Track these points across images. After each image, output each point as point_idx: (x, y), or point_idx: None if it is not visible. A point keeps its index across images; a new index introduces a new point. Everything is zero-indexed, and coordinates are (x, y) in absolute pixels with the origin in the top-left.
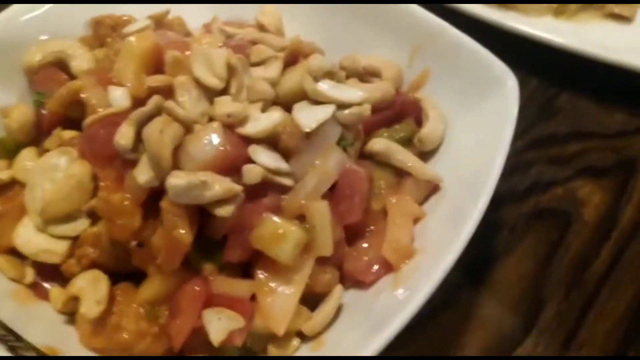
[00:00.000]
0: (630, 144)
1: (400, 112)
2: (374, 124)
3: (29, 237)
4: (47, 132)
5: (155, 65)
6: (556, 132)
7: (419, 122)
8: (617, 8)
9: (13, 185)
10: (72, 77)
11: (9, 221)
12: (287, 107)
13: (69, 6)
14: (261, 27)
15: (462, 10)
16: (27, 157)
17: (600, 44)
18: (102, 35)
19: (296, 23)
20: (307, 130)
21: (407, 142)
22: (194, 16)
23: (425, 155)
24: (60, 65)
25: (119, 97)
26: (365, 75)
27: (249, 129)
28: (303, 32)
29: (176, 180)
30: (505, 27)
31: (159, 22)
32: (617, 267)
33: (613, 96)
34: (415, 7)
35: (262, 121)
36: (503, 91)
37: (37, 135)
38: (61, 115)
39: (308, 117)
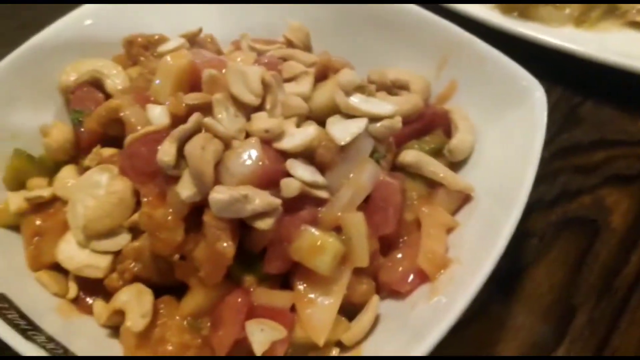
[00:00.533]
0: None
1: (429, 124)
2: (404, 136)
3: (71, 252)
4: (86, 150)
5: (192, 83)
6: (581, 141)
7: (448, 133)
8: (638, 16)
9: (54, 202)
10: (107, 95)
11: (52, 237)
12: (320, 121)
13: (102, 26)
14: (289, 44)
15: (486, 21)
16: (67, 175)
17: (622, 52)
18: (135, 54)
19: (323, 38)
20: (342, 144)
21: (437, 153)
22: (222, 33)
23: (456, 165)
24: (96, 84)
25: (158, 115)
26: (393, 88)
27: (286, 143)
28: (330, 47)
29: (219, 195)
30: (528, 37)
31: (192, 41)
32: None
33: (636, 103)
34: (440, 20)
35: (298, 136)
36: (531, 102)
37: (75, 153)
38: (99, 133)
39: (342, 131)
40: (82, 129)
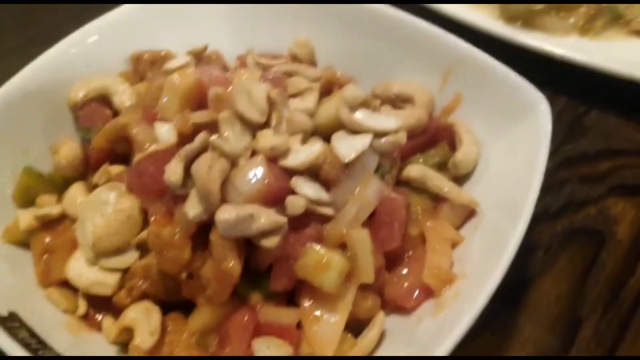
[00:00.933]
0: None
1: (434, 137)
2: (408, 150)
3: (80, 270)
4: (95, 167)
5: (198, 100)
6: (587, 150)
7: (453, 147)
8: (638, 24)
9: (63, 219)
10: (115, 112)
11: (61, 255)
12: (325, 137)
13: (109, 42)
14: (294, 58)
15: (490, 31)
16: (76, 192)
17: (627, 61)
18: (142, 70)
19: (328, 52)
20: (347, 161)
21: (441, 167)
22: (229, 48)
23: (460, 179)
24: (104, 100)
25: (165, 133)
26: (397, 101)
27: (291, 161)
28: (335, 60)
29: (225, 215)
30: (532, 47)
31: (198, 57)
32: None
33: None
34: (445, 33)
35: (303, 153)
36: (536, 114)
37: (84, 170)
38: (108, 150)
39: (347, 147)
40: (91, 146)
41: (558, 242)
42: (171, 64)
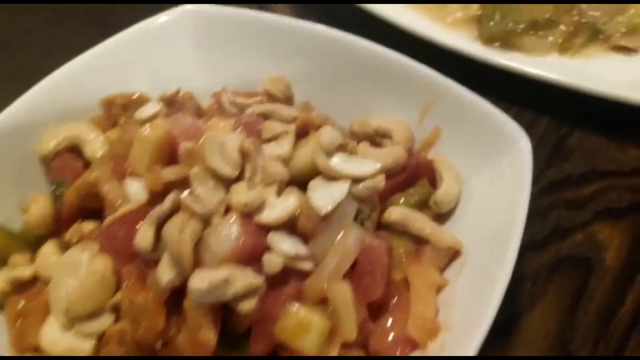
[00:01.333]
0: None
1: (414, 175)
2: (388, 190)
3: (54, 336)
4: (67, 224)
5: (170, 153)
6: (571, 173)
7: (434, 183)
8: (622, 40)
9: (36, 281)
10: (87, 162)
11: (35, 319)
12: (302, 182)
13: (80, 85)
14: (270, 96)
15: (468, 53)
16: (49, 252)
17: (608, 80)
18: (114, 115)
19: (305, 87)
20: (324, 213)
21: (423, 205)
22: (203, 84)
23: (443, 216)
24: (75, 150)
25: (135, 191)
26: (376, 137)
27: (266, 217)
28: (312, 96)
29: (198, 283)
30: (510, 68)
31: (170, 102)
32: None
33: (625, 131)
34: (422, 67)
35: (278, 207)
36: (516, 150)
37: (56, 227)
38: (79, 206)
39: (324, 198)
40: (62, 202)
41: (545, 272)
42: (142, 113)
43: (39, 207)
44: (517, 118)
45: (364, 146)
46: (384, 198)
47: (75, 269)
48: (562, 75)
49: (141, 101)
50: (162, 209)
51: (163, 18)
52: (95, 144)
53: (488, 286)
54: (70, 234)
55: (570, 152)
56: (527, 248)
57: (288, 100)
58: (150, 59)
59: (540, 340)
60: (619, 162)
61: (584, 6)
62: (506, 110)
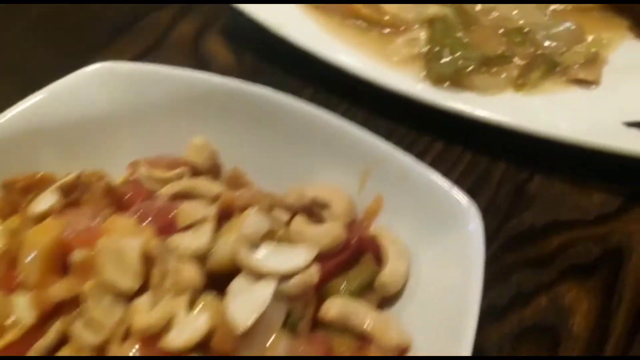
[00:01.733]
0: (613, 230)
1: (356, 253)
2: (327, 274)
3: None
4: None
5: (62, 260)
6: (533, 225)
7: (379, 258)
8: (581, 73)
9: None
10: None
11: None
12: (221, 280)
13: None
14: (192, 168)
15: (413, 95)
16: None
17: (567, 120)
18: (14, 201)
19: (236, 151)
20: (243, 329)
21: (367, 287)
22: (125, 151)
23: (390, 298)
24: None
25: (23, 308)
26: (313, 208)
27: (173, 340)
28: (244, 160)
29: None
30: (459, 111)
31: (73, 186)
32: None
33: (588, 174)
34: (359, 130)
35: (188, 327)
36: (465, 228)
37: None
38: None
39: (244, 306)
40: None
41: (508, 345)
42: (35, 206)
43: None
44: (470, 165)
45: (298, 223)
46: (324, 282)
47: None
48: (515, 117)
49: (45, 183)
50: (46, 341)
51: (74, 78)
52: None
53: None
54: None
55: (531, 200)
56: (487, 318)
57: (213, 169)
58: (61, 127)
59: None
60: (583, 209)
61: (539, 37)
62: (460, 156)
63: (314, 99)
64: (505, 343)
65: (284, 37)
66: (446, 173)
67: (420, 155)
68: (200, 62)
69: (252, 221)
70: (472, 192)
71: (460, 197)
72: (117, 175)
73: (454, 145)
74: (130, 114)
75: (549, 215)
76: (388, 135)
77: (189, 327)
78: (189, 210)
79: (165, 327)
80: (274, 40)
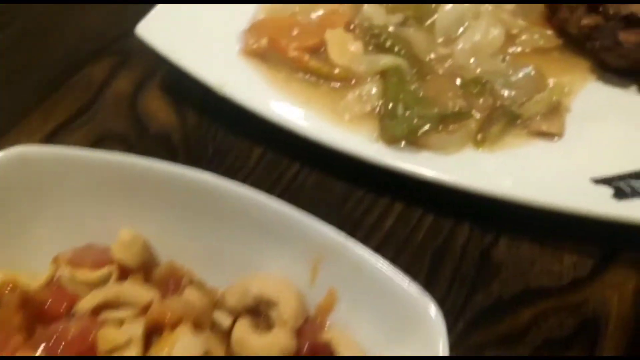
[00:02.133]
0: (587, 297)
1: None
2: None
3: None
4: None
5: None
6: (501, 296)
7: None
8: (543, 125)
9: None
10: None
11: None
12: None
13: None
14: (121, 268)
15: (366, 157)
16: None
17: (529, 178)
18: None
19: (171, 240)
20: None
21: None
22: (48, 244)
23: None
24: None
25: None
26: (259, 306)
27: None
28: (181, 252)
29: None
30: (413, 173)
31: None
32: None
33: (557, 234)
34: (308, 218)
35: None
36: (424, 320)
37: None
38: None
39: None
40: None
41: None
42: None
43: None
44: (433, 229)
45: (241, 330)
46: None
47: None
48: (476, 178)
49: None
50: None
51: None
52: None
53: None
54: None
55: (498, 267)
56: None
57: (145, 265)
58: None
59: None
60: (555, 274)
61: (497, 86)
62: (421, 218)
63: (262, 160)
64: None
65: (227, 96)
66: (407, 238)
67: (380, 219)
68: (139, 122)
69: (183, 344)
70: (436, 260)
71: (419, 295)
72: (42, 270)
73: (414, 206)
74: (51, 204)
75: (518, 283)
76: (344, 199)
77: None
78: (110, 334)
79: None
80: (218, 95)
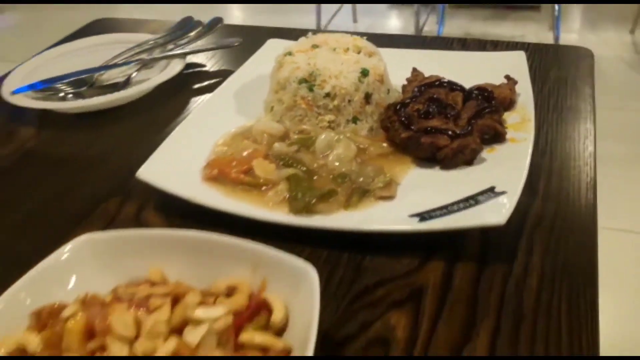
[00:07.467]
0: (416, 279)
1: (255, 310)
2: (240, 322)
3: None
4: None
5: (90, 331)
6: (367, 285)
7: (270, 311)
8: (383, 192)
9: None
10: (31, 355)
11: None
12: (180, 330)
13: (14, 310)
14: (151, 283)
15: (284, 223)
16: None
17: (379, 220)
18: (44, 321)
19: (178, 272)
20: (193, 345)
21: (265, 327)
22: (102, 280)
23: (280, 331)
24: (21, 350)
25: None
26: (228, 289)
27: (158, 354)
28: (182, 275)
29: None
30: (313, 227)
31: (84, 301)
32: None
33: (397, 247)
34: (250, 243)
35: (164, 348)
36: (308, 283)
37: None
38: None
39: (192, 335)
40: None
41: (361, 350)
42: (65, 313)
43: None
44: (327, 254)
45: (221, 299)
46: (238, 327)
47: None
48: (348, 224)
49: (62, 307)
50: None
51: (66, 249)
52: (34, 343)
53: None
54: None
55: (366, 269)
56: (346, 337)
57: (164, 281)
58: (63, 280)
59: None
60: (397, 269)
61: (354, 177)
62: (316, 248)
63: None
64: (360, 350)
65: (198, 203)
66: (308, 255)
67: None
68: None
69: (190, 297)
70: (329, 269)
71: (305, 265)
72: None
73: (317, 249)
74: (107, 265)
75: (377, 276)
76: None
77: (165, 347)
78: (154, 301)
79: (153, 350)
80: (191, 205)
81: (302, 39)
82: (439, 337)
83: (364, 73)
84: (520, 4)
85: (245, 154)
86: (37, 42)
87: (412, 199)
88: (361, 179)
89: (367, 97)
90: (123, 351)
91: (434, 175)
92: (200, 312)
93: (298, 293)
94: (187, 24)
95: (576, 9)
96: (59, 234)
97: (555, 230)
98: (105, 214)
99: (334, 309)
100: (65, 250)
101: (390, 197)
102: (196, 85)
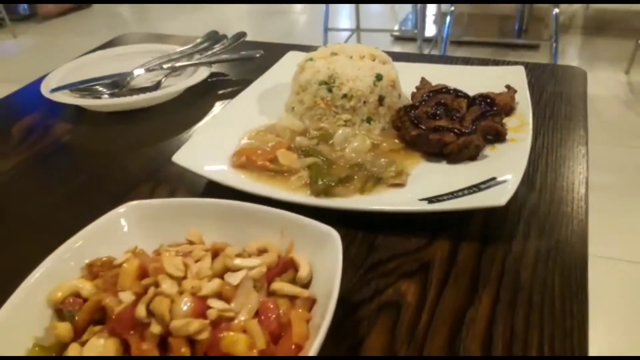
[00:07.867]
0: (425, 254)
1: (283, 267)
2: (271, 276)
3: None
4: (81, 332)
5: (142, 274)
6: (380, 259)
7: (296, 269)
8: (395, 180)
9: None
10: (85, 299)
11: None
12: (221, 275)
13: (65, 263)
14: (190, 242)
15: (306, 204)
16: (74, 350)
17: (391, 204)
18: (96, 272)
19: (212, 234)
20: (235, 284)
21: (291, 281)
22: (145, 244)
23: (305, 285)
24: (76, 294)
25: (127, 296)
26: (259, 251)
27: (203, 292)
28: (216, 238)
29: (175, 324)
30: (333, 207)
31: (134, 253)
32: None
33: (408, 225)
34: (278, 210)
35: (209, 286)
36: (332, 244)
37: (74, 336)
38: (88, 320)
39: (233, 278)
40: (75, 321)
41: (375, 314)
42: (119, 259)
43: (63, 328)
44: (346, 229)
45: (253, 256)
46: (270, 280)
47: (94, 351)
48: (362, 205)
49: (110, 260)
50: (147, 296)
51: (120, 210)
52: (89, 289)
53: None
54: (86, 335)
55: (379, 246)
56: (361, 301)
57: (201, 242)
58: (113, 238)
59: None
60: (408, 246)
61: (368, 166)
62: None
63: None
64: (374, 311)
65: (228, 185)
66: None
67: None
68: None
69: (229, 250)
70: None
71: (329, 230)
72: None
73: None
74: (150, 227)
75: (390, 252)
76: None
77: (210, 286)
78: (196, 253)
79: (199, 289)
80: (219, 192)
81: (321, 48)
82: (445, 302)
83: (379, 77)
84: (520, 42)
85: (269, 145)
86: (49, 65)
87: (421, 186)
88: (375, 169)
89: (381, 100)
90: (173, 288)
91: (441, 168)
92: (238, 261)
93: (321, 254)
94: (212, 37)
95: (573, 49)
96: (97, 210)
97: (550, 217)
98: (140, 197)
99: (350, 277)
100: (119, 212)
101: (401, 185)
102: (220, 92)
